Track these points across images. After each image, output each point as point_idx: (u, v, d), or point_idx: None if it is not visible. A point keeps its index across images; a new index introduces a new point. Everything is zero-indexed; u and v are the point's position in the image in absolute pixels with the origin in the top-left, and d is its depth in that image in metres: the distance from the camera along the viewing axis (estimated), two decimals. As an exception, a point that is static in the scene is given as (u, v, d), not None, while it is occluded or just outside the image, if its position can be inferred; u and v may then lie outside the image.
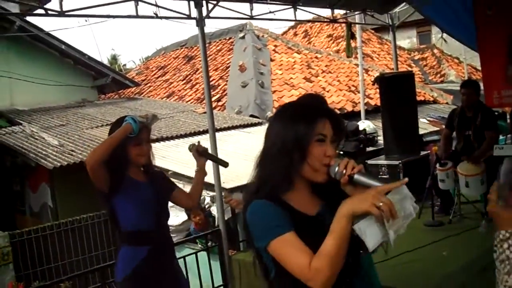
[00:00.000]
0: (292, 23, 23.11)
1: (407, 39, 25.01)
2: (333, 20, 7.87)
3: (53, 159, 8.51)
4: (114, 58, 32.42)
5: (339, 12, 9.52)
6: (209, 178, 6.74)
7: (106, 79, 13.64)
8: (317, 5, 7.34)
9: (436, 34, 22.72)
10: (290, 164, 1.92)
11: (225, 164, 3.99)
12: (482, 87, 7.02)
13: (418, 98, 14.09)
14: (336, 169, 1.89)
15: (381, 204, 1.70)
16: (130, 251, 3.53)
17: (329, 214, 1.87)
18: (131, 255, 3.52)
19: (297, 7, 6.97)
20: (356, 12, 8.30)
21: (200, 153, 3.85)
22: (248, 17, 6.59)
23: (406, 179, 1.83)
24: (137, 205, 3.49)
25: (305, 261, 1.80)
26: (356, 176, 1.87)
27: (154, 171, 3.78)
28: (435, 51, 22.35)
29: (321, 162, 1.92)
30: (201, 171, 3.90)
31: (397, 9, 8.69)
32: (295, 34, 23.17)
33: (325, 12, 7.75)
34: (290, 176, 1.96)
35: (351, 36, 8.06)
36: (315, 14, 7.54)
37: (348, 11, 8.16)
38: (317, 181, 1.96)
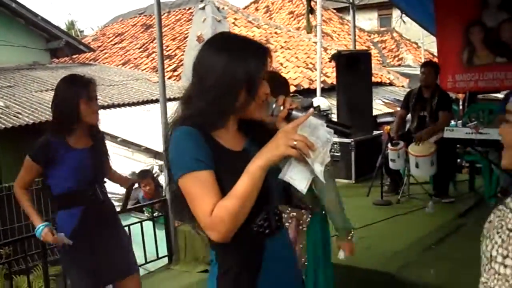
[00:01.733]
0: (254, -3, 23.00)
1: (368, 21, 25.07)
2: (294, -7, 7.74)
3: (-2, 120, 8.20)
4: (71, 24, 31.51)
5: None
6: (158, 146, 6.67)
7: (59, 42, 13.23)
8: (278, -23, 7.19)
9: (396, 17, 22.82)
10: (235, 100, 1.78)
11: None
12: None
13: (375, 80, 14.19)
14: (274, 105, 1.84)
15: (295, 142, 1.63)
16: (65, 215, 3.39)
17: (255, 149, 1.79)
18: (66, 218, 3.38)
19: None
20: (317, -13, 8.19)
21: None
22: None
23: (312, 110, 1.76)
24: (67, 168, 3.31)
25: (211, 205, 1.68)
26: (294, 112, 1.83)
27: (97, 131, 3.56)
28: (395, 34, 22.49)
29: (261, 100, 1.83)
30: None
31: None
32: (257, 9, 22.97)
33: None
34: (228, 113, 1.82)
35: (310, 11, 7.96)
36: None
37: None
38: (256, 118, 1.86)
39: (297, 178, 1.71)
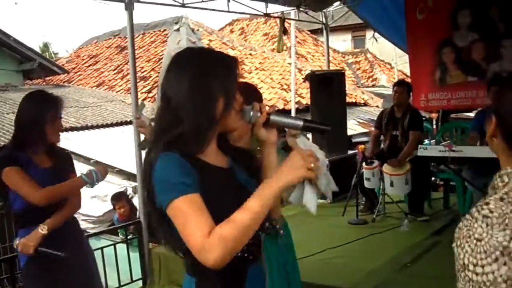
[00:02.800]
0: (230, 20, 23.13)
1: (342, 42, 25.34)
2: (267, 15, 7.77)
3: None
4: (45, 46, 31.31)
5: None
6: (132, 168, 6.59)
7: (32, 64, 13.12)
8: (251, -2, 7.24)
9: (370, 39, 23.11)
10: (214, 115, 1.75)
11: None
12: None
13: (350, 100, 14.31)
14: (251, 113, 1.82)
15: (313, 165, 1.65)
16: (25, 233, 3.28)
17: (239, 169, 1.82)
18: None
19: (231, -2, 6.86)
20: (290, 8, 8.23)
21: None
22: (180, 4, 6.40)
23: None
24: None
25: (207, 227, 1.60)
26: (272, 116, 1.83)
27: (59, 150, 3.52)
28: (369, 55, 22.76)
29: (236, 110, 1.83)
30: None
31: (331, 9, 8.72)
32: (232, 31, 23.07)
33: (260, 7, 7.64)
34: (209, 129, 1.77)
35: (284, 31, 8.01)
36: (250, 7, 7.40)
37: (282, 7, 8.06)
38: (233, 129, 1.88)
39: (312, 202, 1.73)
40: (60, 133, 3.39)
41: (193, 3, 6.63)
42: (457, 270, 1.34)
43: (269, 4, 7.66)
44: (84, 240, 3.75)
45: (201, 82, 1.74)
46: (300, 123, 1.83)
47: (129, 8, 5.60)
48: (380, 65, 22.36)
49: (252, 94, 2.64)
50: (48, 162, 3.35)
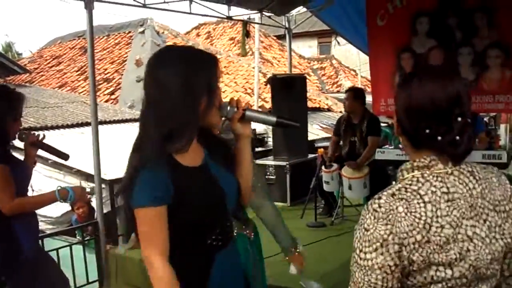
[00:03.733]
0: (196, 24, 23.09)
1: (308, 48, 25.51)
2: (229, 18, 7.78)
3: None
4: (8, 46, 30.77)
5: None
6: (89, 169, 6.52)
7: (-9, 63, 12.88)
8: (213, 0, 7.23)
9: (336, 45, 23.33)
10: (198, 111, 1.84)
11: (65, 157, 3.72)
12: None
13: (313, 105, 14.43)
14: (228, 107, 1.93)
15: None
16: (21, 227, 3.32)
17: (212, 163, 1.96)
18: (24, 231, 3.32)
19: (193, 0, 6.85)
20: (253, 12, 8.26)
21: (32, 144, 3.49)
22: (141, 5, 6.36)
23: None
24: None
25: (159, 246, 1.82)
26: (247, 112, 1.95)
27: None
28: (334, 62, 22.96)
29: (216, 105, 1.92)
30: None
31: (294, 13, 8.78)
32: (198, 35, 23.02)
33: (223, 10, 7.66)
34: (195, 126, 1.88)
35: (247, 35, 8.04)
36: (213, 9, 7.39)
37: (246, 10, 8.08)
38: (212, 125, 1.97)
39: None
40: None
41: (155, 4, 6.60)
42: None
43: (233, 8, 7.68)
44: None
45: (186, 81, 1.81)
46: (274, 118, 1.98)
47: (89, 7, 5.56)
48: (345, 71, 22.56)
49: None
50: (14, 158, 3.37)
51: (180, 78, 1.81)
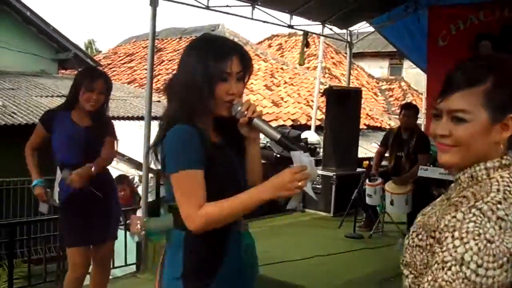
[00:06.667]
0: (269, 35, 23.33)
1: (379, 69, 25.28)
2: (290, 26, 7.91)
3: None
4: (90, 43, 32.02)
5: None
6: (140, 158, 6.78)
7: (67, 54, 13.44)
8: (276, 8, 7.38)
9: (407, 68, 23.06)
10: (199, 98, 1.93)
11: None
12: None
13: (375, 124, 14.35)
14: (239, 108, 1.95)
15: (299, 184, 1.83)
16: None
17: (228, 147, 2.05)
18: (64, 184, 3.86)
19: (256, 6, 7.02)
20: (315, 23, 8.36)
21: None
22: (204, 6, 6.58)
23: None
24: (66, 141, 3.85)
25: (199, 202, 1.88)
26: (255, 120, 1.96)
27: (101, 115, 3.98)
28: (403, 84, 22.67)
29: (223, 100, 1.95)
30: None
31: (357, 28, 8.83)
32: (270, 46, 23.25)
33: (285, 18, 7.81)
34: (196, 110, 1.95)
35: (306, 45, 8.16)
36: (274, 16, 7.55)
37: (307, 21, 8.19)
38: (221, 115, 2.00)
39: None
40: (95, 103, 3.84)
41: (218, 7, 6.82)
42: (435, 259, 1.30)
43: (295, 17, 7.82)
44: (115, 191, 4.32)
45: (193, 67, 1.94)
46: (278, 135, 1.96)
47: (154, 4, 5.83)
48: (413, 94, 22.21)
49: None
50: (86, 122, 3.89)
51: (189, 62, 1.98)
